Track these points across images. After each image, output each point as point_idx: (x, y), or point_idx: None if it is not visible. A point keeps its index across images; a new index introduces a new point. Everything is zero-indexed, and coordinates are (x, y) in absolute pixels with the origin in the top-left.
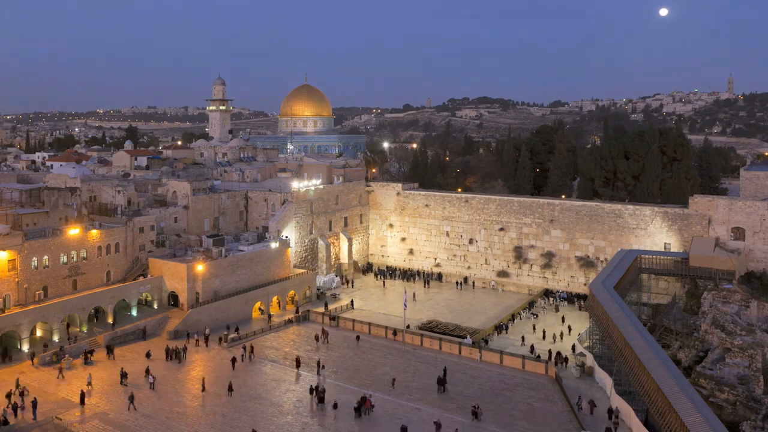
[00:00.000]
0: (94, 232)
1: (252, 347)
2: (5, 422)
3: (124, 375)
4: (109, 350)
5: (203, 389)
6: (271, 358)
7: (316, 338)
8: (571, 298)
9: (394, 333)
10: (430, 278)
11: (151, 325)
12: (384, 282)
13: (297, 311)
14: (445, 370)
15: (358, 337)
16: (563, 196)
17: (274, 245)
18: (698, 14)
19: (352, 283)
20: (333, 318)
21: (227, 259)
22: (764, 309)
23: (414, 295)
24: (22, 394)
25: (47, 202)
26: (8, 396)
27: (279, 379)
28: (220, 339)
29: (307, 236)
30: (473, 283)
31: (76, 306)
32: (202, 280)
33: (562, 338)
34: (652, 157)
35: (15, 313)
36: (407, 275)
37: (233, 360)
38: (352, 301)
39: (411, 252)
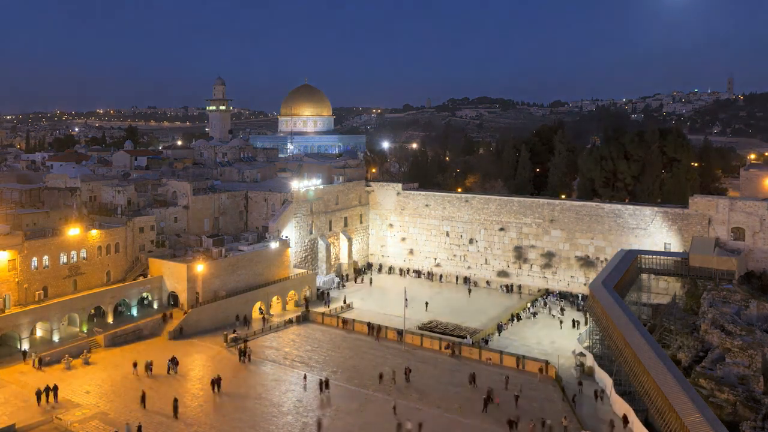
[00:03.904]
0: (94, 232)
1: (246, 347)
2: None
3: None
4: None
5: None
6: (271, 358)
7: (241, 354)
8: (567, 296)
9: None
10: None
11: (151, 325)
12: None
13: (306, 307)
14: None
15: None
16: (563, 196)
17: (274, 245)
18: (698, 14)
19: (371, 281)
20: (345, 321)
21: (227, 259)
22: (764, 309)
23: (406, 301)
24: None
25: (47, 202)
26: None
27: (279, 379)
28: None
29: (307, 236)
30: (474, 282)
31: (76, 306)
32: (202, 280)
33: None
34: (652, 157)
35: (15, 313)
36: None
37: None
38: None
39: (411, 252)
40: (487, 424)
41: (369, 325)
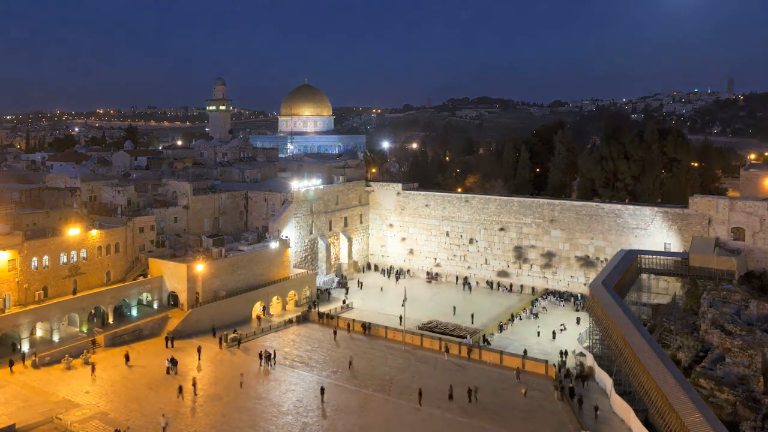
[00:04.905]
0: (94, 232)
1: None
2: None
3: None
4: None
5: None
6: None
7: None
8: (568, 297)
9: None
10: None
11: (151, 325)
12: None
13: (313, 305)
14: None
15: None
16: (563, 196)
17: (273, 245)
18: (698, 14)
19: (359, 286)
20: (337, 322)
21: (227, 259)
22: (764, 309)
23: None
24: None
25: (47, 202)
26: None
27: (279, 379)
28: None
29: (307, 236)
30: (476, 282)
31: (76, 306)
32: (202, 280)
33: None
34: (652, 157)
35: (15, 313)
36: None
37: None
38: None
39: (411, 252)
40: (487, 424)
41: (363, 325)
